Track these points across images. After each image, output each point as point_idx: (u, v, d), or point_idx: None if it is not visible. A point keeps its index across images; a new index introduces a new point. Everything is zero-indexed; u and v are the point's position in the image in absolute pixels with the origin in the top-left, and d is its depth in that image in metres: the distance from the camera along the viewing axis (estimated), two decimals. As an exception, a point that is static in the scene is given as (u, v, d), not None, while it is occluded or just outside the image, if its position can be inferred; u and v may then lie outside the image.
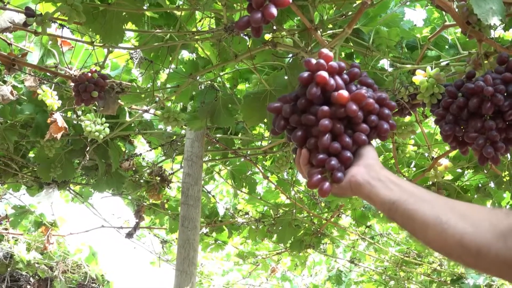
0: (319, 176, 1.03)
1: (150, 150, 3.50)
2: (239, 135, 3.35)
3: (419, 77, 1.86)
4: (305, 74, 1.09)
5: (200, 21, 2.35)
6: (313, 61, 1.09)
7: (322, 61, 1.08)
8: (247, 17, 1.06)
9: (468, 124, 1.59)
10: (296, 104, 1.11)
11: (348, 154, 1.05)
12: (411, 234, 0.95)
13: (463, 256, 0.87)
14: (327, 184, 1.02)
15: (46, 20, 1.85)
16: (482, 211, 0.89)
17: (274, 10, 1.04)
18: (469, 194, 3.19)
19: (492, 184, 3.18)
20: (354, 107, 1.04)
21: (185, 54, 2.87)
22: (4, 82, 2.66)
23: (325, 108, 1.05)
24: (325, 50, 1.11)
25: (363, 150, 1.07)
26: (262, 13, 1.04)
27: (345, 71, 1.13)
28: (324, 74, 1.06)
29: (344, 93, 1.05)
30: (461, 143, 1.64)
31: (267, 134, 3.39)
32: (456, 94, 1.62)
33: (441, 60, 2.13)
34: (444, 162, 2.80)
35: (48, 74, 2.62)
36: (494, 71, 1.62)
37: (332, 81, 1.07)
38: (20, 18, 2.25)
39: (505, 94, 1.54)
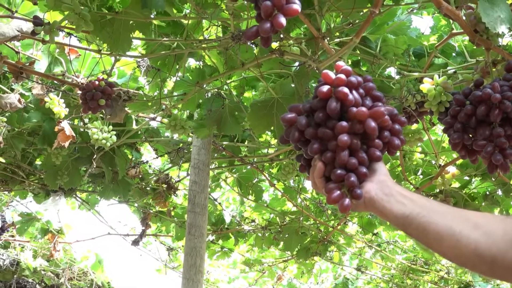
0: (339, 192, 1.03)
1: (157, 157, 3.50)
2: (246, 143, 3.35)
3: (426, 85, 1.86)
4: (324, 88, 1.08)
5: (207, 29, 2.35)
6: (332, 74, 1.09)
7: (342, 75, 1.08)
8: (256, 27, 1.06)
9: (476, 132, 1.59)
10: (312, 116, 1.11)
11: (364, 170, 1.05)
12: (426, 247, 0.97)
13: (478, 265, 0.89)
14: (347, 200, 1.03)
15: (54, 29, 1.86)
16: (495, 220, 0.91)
17: (283, 20, 1.04)
18: (476, 202, 3.18)
19: (499, 192, 3.16)
20: (373, 124, 1.05)
21: (192, 62, 2.88)
22: (12, 90, 2.67)
23: (344, 123, 1.05)
24: (342, 63, 1.10)
25: (375, 166, 1.09)
26: (271, 22, 1.03)
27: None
28: (345, 90, 1.06)
29: (364, 110, 1.05)
30: (470, 151, 1.63)
31: (273, 141, 3.38)
32: (464, 102, 1.62)
33: (448, 68, 2.13)
34: (452, 170, 2.78)
35: (55, 82, 2.63)
36: (502, 79, 1.61)
37: (351, 97, 1.07)
38: (28, 26, 2.26)
39: (513, 101, 1.54)
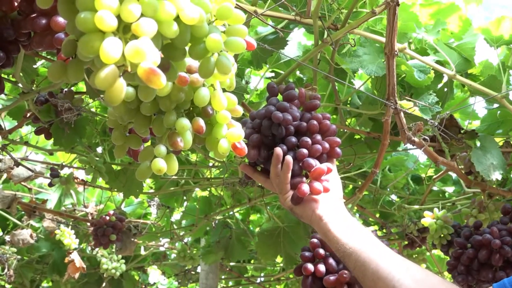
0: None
1: (164, 279, 3.53)
2: (252, 262, 3.38)
3: (427, 220, 1.94)
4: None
5: (214, 165, 2.44)
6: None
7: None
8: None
9: (479, 274, 1.65)
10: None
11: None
12: (359, 281, 0.98)
13: None
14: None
15: (70, 180, 1.96)
16: (436, 280, 0.93)
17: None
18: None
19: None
20: None
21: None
22: (21, 221, 2.73)
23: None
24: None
25: (334, 185, 1.10)
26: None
27: None
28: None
29: None
30: (475, 290, 1.69)
31: (279, 259, 3.41)
32: (466, 245, 1.69)
33: (446, 200, 2.21)
34: (457, 287, 2.80)
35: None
36: (499, 221, 1.69)
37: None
38: (41, 166, 2.37)
39: (512, 244, 1.61)
